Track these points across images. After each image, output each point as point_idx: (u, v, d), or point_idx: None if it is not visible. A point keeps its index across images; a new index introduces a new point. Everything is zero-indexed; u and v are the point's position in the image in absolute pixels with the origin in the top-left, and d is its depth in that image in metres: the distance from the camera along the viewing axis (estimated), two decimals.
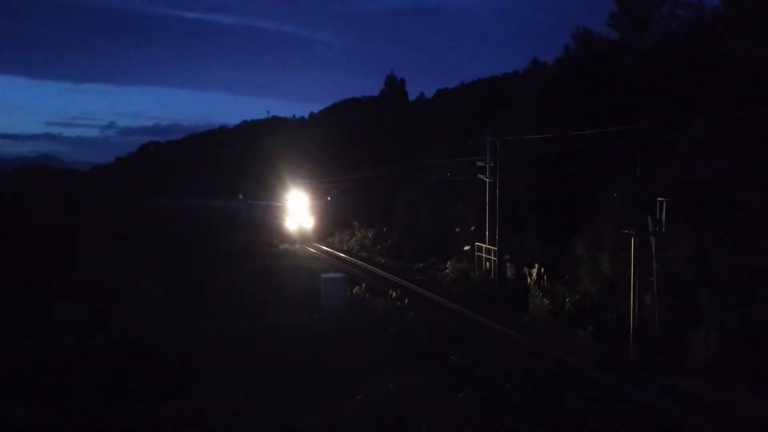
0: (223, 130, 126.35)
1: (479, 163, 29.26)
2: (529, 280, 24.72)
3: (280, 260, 39.53)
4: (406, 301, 25.07)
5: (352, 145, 55.57)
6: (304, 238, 51.32)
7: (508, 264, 27.68)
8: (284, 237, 51.37)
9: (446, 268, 32.84)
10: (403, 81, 52.19)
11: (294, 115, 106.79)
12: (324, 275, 27.26)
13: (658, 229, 18.01)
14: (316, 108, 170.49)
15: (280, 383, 16.19)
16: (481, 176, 29.19)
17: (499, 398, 14.75)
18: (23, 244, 39.61)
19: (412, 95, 54.74)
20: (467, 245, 32.98)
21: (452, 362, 17.47)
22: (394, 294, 26.53)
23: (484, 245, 30.85)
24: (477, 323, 23.41)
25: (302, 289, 28.29)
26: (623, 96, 28.85)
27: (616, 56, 32.08)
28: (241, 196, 72.97)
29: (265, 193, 64.27)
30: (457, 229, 34.36)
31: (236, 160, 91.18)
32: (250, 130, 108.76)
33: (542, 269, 24.49)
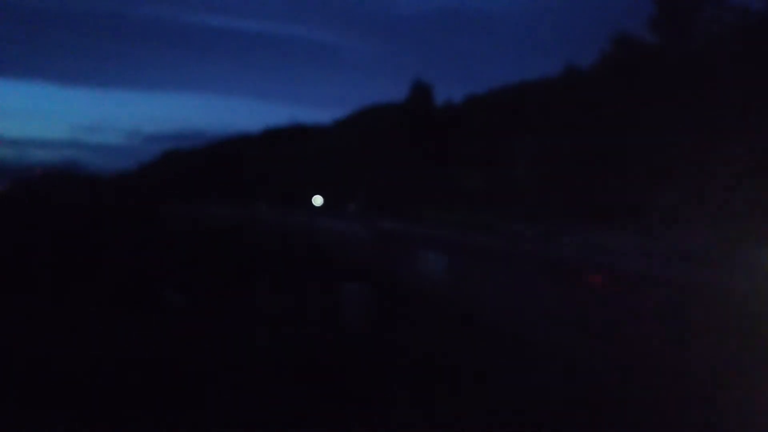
0: (247, 135, 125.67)
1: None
2: None
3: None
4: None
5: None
6: None
7: None
8: None
9: None
10: (429, 87, 51.04)
11: (318, 121, 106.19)
12: (346, 284, 26.02)
13: None
14: (338, 113, 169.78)
15: (294, 399, 15.07)
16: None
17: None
18: (40, 251, 38.85)
19: (439, 100, 53.39)
20: None
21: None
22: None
23: None
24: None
25: (324, 302, 27.08)
26: (664, 101, 27.73)
27: (657, 60, 30.95)
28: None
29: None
30: None
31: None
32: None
33: None
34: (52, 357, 18.27)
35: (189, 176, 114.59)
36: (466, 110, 45.85)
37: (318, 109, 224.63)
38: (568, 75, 34.19)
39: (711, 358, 12.66)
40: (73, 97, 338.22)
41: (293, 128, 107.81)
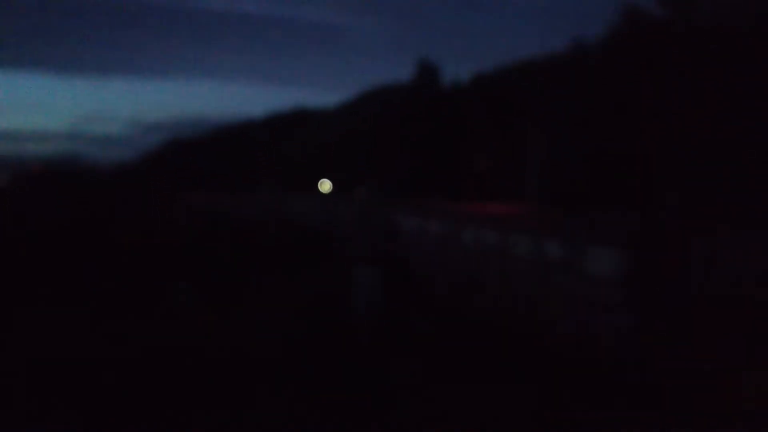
0: (250, 120, 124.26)
1: None
2: None
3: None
4: None
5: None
6: None
7: None
8: None
9: None
10: (435, 66, 49.97)
11: (323, 104, 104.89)
12: (358, 267, 25.44)
13: None
14: (343, 96, 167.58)
15: (307, 400, 14.80)
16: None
17: None
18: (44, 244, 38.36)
19: (446, 79, 52.38)
20: None
21: None
22: None
23: None
24: None
25: (333, 286, 26.75)
26: (674, 77, 27.13)
27: (666, 35, 30.28)
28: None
29: None
30: None
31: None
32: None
33: None
34: (59, 354, 18.10)
35: (192, 165, 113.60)
36: (473, 90, 45.21)
37: (322, 92, 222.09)
38: (574, 49, 33.59)
39: None
40: (71, 88, 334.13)
41: (297, 112, 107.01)
